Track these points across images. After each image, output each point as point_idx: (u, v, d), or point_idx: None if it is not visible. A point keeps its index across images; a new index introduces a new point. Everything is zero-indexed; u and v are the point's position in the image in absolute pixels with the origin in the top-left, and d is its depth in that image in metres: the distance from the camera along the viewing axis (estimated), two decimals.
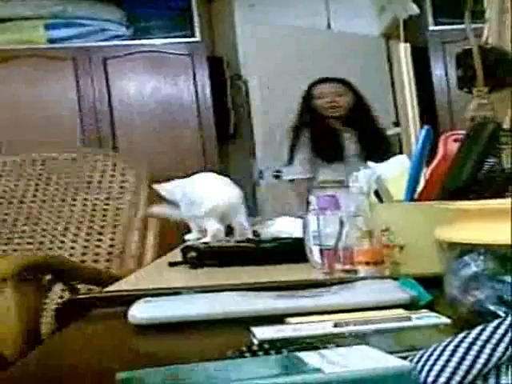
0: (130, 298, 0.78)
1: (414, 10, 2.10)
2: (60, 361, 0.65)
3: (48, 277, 1.29)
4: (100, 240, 1.78)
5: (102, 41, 3.86)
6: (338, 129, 3.15)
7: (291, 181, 3.13)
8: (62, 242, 1.79)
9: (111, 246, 1.77)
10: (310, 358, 0.39)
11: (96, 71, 3.83)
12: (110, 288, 1.06)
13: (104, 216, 1.83)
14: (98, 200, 1.86)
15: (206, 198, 1.60)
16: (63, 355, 0.67)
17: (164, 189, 1.75)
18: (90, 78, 3.82)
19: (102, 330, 0.77)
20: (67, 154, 2.00)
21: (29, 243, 1.79)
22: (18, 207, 1.88)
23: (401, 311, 0.68)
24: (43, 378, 0.58)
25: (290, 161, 3.14)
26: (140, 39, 3.89)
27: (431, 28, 3.93)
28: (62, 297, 1.54)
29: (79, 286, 1.48)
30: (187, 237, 1.66)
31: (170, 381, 0.37)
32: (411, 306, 0.71)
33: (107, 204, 1.85)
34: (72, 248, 1.78)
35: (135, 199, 1.85)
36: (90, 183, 1.89)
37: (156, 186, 1.79)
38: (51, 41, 3.80)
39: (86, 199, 1.87)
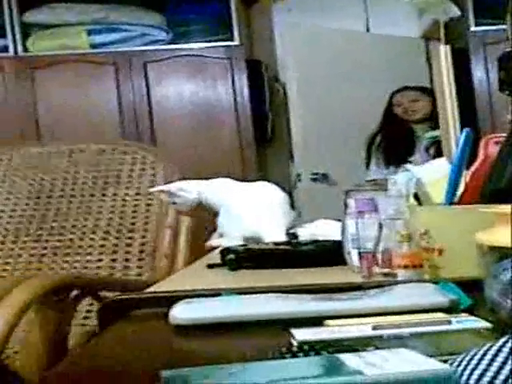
0: (170, 300, 0.79)
1: (455, 12, 2.08)
2: (102, 361, 0.66)
3: (74, 292, 1.24)
4: (131, 238, 1.70)
5: (142, 45, 3.91)
6: (415, 133, 3.47)
7: (368, 181, 3.33)
8: (92, 239, 1.71)
9: (143, 244, 1.69)
10: (349, 359, 0.40)
11: (136, 75, 3.88)
12: (151, 289, 1.07)
13: (134, 212, 1.74)
14: (128, 195, 1.77)
15: (245, 224, 1.56)
16: (105, 355, 0.69)
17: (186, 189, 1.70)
18: (130, 82, 3.88)
19: (144, 330, 0.79)
20: (95, 145, 1.91)
21: (59, 240, 1.72)
22: (47, 202, 1.79)
23: (440, 315, 0.68)
24: (86, 377, 0.60)
25: (368, 164, 3.52)
26: (180, 43, 3.93)
27: (472, 29, 3.88)
28: (89, 311, 1.49)
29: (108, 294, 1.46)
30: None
31: (212, 380, 0.38)
32: (451, 309, 0.70)
33: (137, 200, 1.76)
34: (102, 246, 1.70)
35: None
36: (119, 177, 1.80)
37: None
38: (93, 46, 3.88)
39: (115, 194, 1.78)
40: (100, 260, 1.68)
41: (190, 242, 1.73)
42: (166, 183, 1.72)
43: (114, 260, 1.67)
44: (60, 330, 1.16)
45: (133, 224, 1.72)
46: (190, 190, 1.66)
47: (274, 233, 1.53)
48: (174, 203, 1.68)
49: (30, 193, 1.82)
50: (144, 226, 1.71)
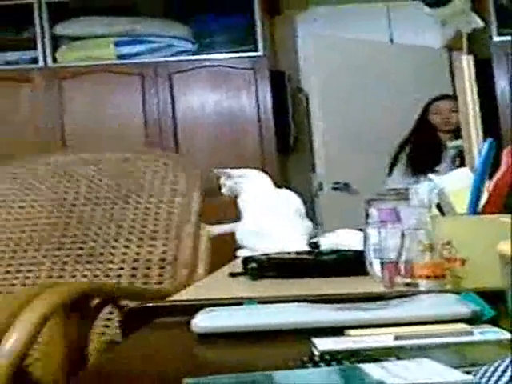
0: (192, 308, 0.79)
1: (478, 23, 2.07)
2: (125, 368, 0.67)
3: (96, 301, 1.24)
4: (153, 245, 1.69)
5: (168, 56, 3.95)
6: (443, 143, 3.43)
7: (389, 190, 3.30)
8: (114, 247, 1.70)
9: (164, 252, 1.68)
10: (372, 369, 0.40)
11: (162, 86, 3.92)
12: (173, 298, 1.08)
13: (156, 220, 1.73)
14: (150, 203, 1.76)
15: (261, 239, 1.59)
16: (128, 362, 0.69)
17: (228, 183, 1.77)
18: (155, 93, 3.92)
19: (166, 338, 0.79)
20: (120, 154, 1.90)
21: (81, 248, 1.71)
22: (70, 210, 1.79)
23: (463, 326, 0.67)
24: None
25: (390, 172, 3.47)
26: (204, 54, 3.95)
27: (495, 39, 3.85)
28: (109, 319, 1.47)
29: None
30: (239, 253, 1.67)
31: None
32: (473, 320, 0.70)
33: (159, 207, 1.75)
34: (124, 254, 1.69)
35: (187, 203, 1.74)
36: (141, 185, 1.79)
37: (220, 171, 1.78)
38: (120, 57, 3.93)
39: (138, 202, 1.77)
40: (121, 268, 1.67)
41: (210, 251, 1.72)
42: (188, 191, 1.75)
43: (135, 268, 1.66)
44: (80, 339, 1.16)
45: (154, 232, 1.71)
46: (237, 177, 1.76)
47: (295, 243, 1.53)
48: (225, 186, 1.76)
49: (54, 201, 1.82)
50: (165, 234, 1.70)
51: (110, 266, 1.68)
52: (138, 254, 1.68)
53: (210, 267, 1.67)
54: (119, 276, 1.66)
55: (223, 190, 1.78)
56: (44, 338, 1.10)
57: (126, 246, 1.70)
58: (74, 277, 1.68)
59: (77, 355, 1.13)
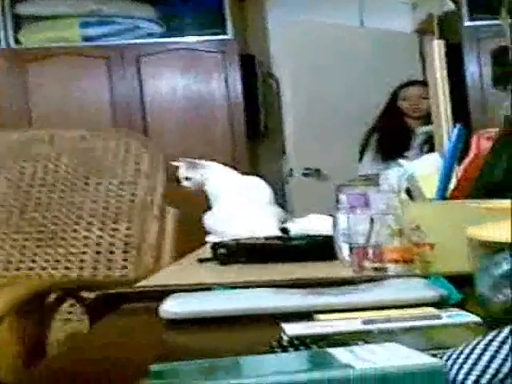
0: (160, 294, 0.79)
1: (450, 6, 2.08)
2: (93, 354, 0.66)
3: (54, 295, 1.20)
4: (116, 229, 1.63)
5: (135, 39, 3.90)
6: (412, 129, 3.43)
7: (361, 176, 3.30)
8: (75, 230, 1.64)
9: (127, 236, 1.62)
10: (340, 353, 0.40)
11: (129, 69, 3.87)
12: (141, 283, 1.07)
13: (119, 202, 1.66)
14: (112, 185, 1.69)
15: (232, 225, 1.58)
16: (96, 349, 0.69)
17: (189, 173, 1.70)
18: (123, 76, 3.87)
19: (134, 324, 0.79)
20: (76, 131, 1.81)
21: (40, 232, 1.65)
22: (27, 191, 1.71)
23: (431, 309, 0.68)
24: (76, 371, 0.59)
25: (361, 158, 3.46)
26: (173, 37, 3.91)
27: (466, 24, 3.87)
28: (70, 312, 1.44)
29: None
30: (208, 239, 1.66)
31: (202, 374, 0.38)
32: (441, 304, 0.70)
33: (121, 189, 1.68)
34: (86, 238, 1.63)
35: (151, 184, 1.68)
36: (101, 165, 1.72)
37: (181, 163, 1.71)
38: (86, 39, 3.86)
39: (98, 183, 1.70)
40: (84, 253, 1.61)
41: (176, 235, 1.67)
42: (151, 171, 1.68)
43: (98, 253, 1.61)
44: (38, 337, 1.13)
45: (117, 215, 1.65)
46: (201, 169, 1.70)
47: (265, 229, 1.53)
48: (188, 179, 1.70)
49: (10, 181, 1.74)
50: (129, 217, 1.64)
51: (72, 250, 1.62)
52: (100, 237, 1.62)
53: (178, 252, 1.63)
54: (82, 261, 1.60)
55: (185, 183, 1.73)
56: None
57: (88, 230, 1.64)
58: (34, 262, 1.62)
59: (35, 353, 1.09)
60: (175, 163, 1.74)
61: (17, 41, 3.84)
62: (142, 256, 1.58)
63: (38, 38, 3.83)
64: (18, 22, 3.85)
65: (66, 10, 3.82)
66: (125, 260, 1.59)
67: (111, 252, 1.60)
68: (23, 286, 1.10)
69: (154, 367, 0.39)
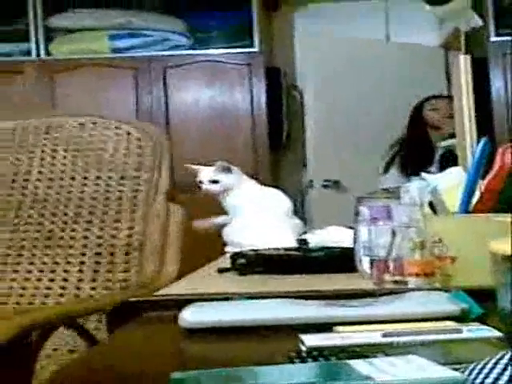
0: (180, 303, 0.79)
1: (478, 22, 2.05)
2: (112, 362, 0.66)
3: (35, 333, 1.05)
4: (116, 229, 1.52)
5: (162, 51, 3.93)
6: (434, 143, 3.39)
7: (383, 190, 3.27)
8: (74, 230, 1.53)
9: (129, 235, 1.51)
10: (359, 365, 0.39)
11: (155, 80, 3.90)
12: (161, 292, 1.07)
13: (119, 199, 1.54)
14: (112, 179, 1.57)
15: (248, 236, 1.59)
16: (115, 357, 0.69)
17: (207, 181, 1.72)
18: (149, 87, 3.90)
19: (153, 333, 0.79)
20: (73, 119, 1.67)
21: (37, 231, 1.54)
22: (23, 186, 1.60)
23: (451, 323, 0.67)
24: (95, 379, 0.60)
25: (386, 171, 3.45)
26: (200, 49, 3.94)
27: (492, 39, 3.85)
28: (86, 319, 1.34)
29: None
30: (227, 249, 1.66)
31: (223, 382, 0.38)
32: (462, 318, 0.70)
33: (122, 184, 1.56)
34: (85, 238, 1.52)
35: (155, 179, 1.56)
36: (101, 157, 1.59)
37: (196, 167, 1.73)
38: (114, 51, 3.91)
39: (98, 177, 1.57)
40: (83, 254, 1.51)
41: (182, 236, 1.53)
42: (155, 165, 1.56)
43: (98, 254, 1.50)
44: (20, 381, 1.00)
45: (118, 213, 1.53)
46: (234, 174, 1.74)
47: (282, 240, 1.53)
48: (216, 182, 1.71)
49: (4, 176, 1.62)
50: (130, 215, 1.53)
51: (71, 251, 1.53)
52: (100, 238, 1.52)
53: (195, 260, 1.59)
54: (82, 263, 1.51)
55: (210, 186, 1.73)
56: None
57: (87, 229, 1.53)
58: (32, 264, 1.54)
59: None
60: (196, 166, 1.75)
61: (47, 52, 3.90)
62: (145, 258, 1.48)
63: (67, 50, 3.90)
64: (50, 34, 3.92)
65: (95, 23, 3.89)
66: (126, 263, 1.48)
67: (112, 254, 1.49)
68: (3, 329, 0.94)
69: (175, 375, 0.39)
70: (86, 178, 1.58)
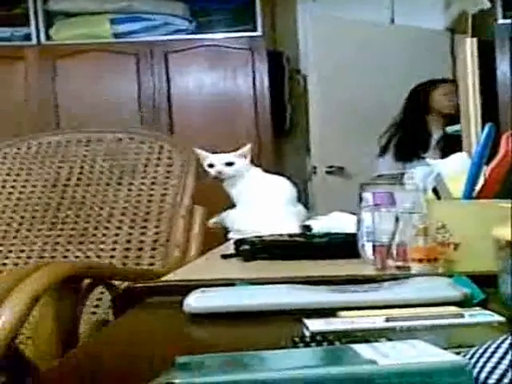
0: (184, 288, 0.79)
1: (485, 3, 2.01)
2: (117, 346, 0.67)
3: (87, 281, 1.22)
4: (145, 227, 1.70)
5: (165, 35, 3.91)
6: (431, 129, 3.36)
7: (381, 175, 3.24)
8: (107, 228, 1.71)
9: (156, 233, 1.68)
10: (363, 349, 0.40)
11: (157, 65, 3.89)
12: (165, 278, 1.08)
13: (149, 202, 1.73)
14: (144, 185, 1.76)
15: (251, 223, 1.60)
16: (120, 341, 0.69)
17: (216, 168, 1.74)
18: (151, 72, 3.89)
19: (158, 317, 0.79)
20: (112, 134, 1.89)
21: (73, 229, 1.72)
22: (63, 191, 1.79)
23: (453, 308, 0.67)
24: (101, 362, 0.60)
25: (381, 155, 3.42)
26: (202, 33, 3.91)
27: (500, 22, 3.79)
28: (99, 299, 1.48)
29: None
30: (230, 235, 1.67)
31: (227, 366, 0.38)
32: (464, 303, 0.70)
33: (152, 189, 1.75)
34: (116, 235, 1.70)
35: (181, 185, 1.75)
36: (135, 166, 1.79)
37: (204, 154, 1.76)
38: (116, 35, 3.89)
39: (131, 184, 1.77)
40: (113, 249, 1.68)
41: (203, 233, 1.72)
42: (182, 173, 1.74)
43: (127, 249, 1.67)
44: (72, 319, 1.15)
45: (147, 214, 1.72)
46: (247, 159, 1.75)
47: (285, 228, 1.53)
48: (231, 164, 1.74)
49: (47, 181, 1.82)
50: (158, 215, 1.71)
51: (102, 247, 1.69)
52: (130, 235, 1.69)
53: (203, 249, 1.67)
54: (111, 257, 1.66)
55: (224, 169, 1.75)
56: (35, 317, 1.10)
57: (119, 228, 1.70)
58: (65, 257, 1.68)
59: (68, 335, 1.12)
60: (204, 152, 1.78)
61: (48, 37, 3.88)
62: (169, 253, 1.63)
63: (68, 35, 3.87)
64: (50, 18, 3.90)
65: (96, 6, 3.85)
66: (152, 257, 1.64)
67: (140, 249, 1.66)
68: (58, 268, 1.12)
69: (180, 359, 0.40)
70: (120, 183, 1.78)
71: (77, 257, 1.67)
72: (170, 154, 1.80)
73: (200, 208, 1.73)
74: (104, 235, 1.70)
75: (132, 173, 1.78)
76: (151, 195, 1.74)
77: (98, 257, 1.66)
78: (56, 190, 1.80)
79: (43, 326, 1.11)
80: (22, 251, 1.69)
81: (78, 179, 1.81)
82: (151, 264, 1.63)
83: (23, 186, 1.81)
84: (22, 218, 1.75)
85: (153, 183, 1.76)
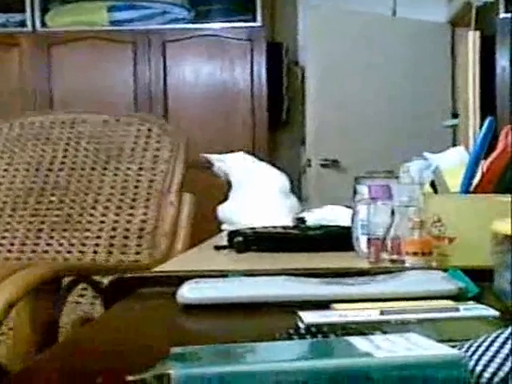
0: (176, 279, 0.79)
1: None
2: (109, 337, 0.66)
3: (68, 279, 1.20)
4: (131, 215, 1.63)
5: (163, 23, 3.88)
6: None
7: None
8: (92, 215, 1.65)
9: (143, 221, 1.61)
10: (359, 342, 0.40)
11: (154, 54, 3.87)
12: (157, 268, 1.07)
13: (136, 188, 1.66)
14: (131, 170, 1.68)
15: (248, 216, 1.58)
16: (112, 332, 0.69)
17: (218, 165, 1.73)
18: (147, 61, 3.87)
19: (150, 309, 0.79)
20: (98, 115, 1.80)
21: (57, 215, 1.66)
22: (46, 175, 1.72)
23: (448, 302, 0.67)
24: (92, 354, 0.60)
25: None
26: (201, 23, 3.89)
27: (502, 16, 3.77)
28: (82, 295, 1.46)
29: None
30: (223, 227, 1.66)
31: (222, 358, 0.38)
32: (459, 297, 0.70)
33: (140, 175, 1.68)
34: (102, 222, 1.63)
35: (170, 170, 1.67)
36: (121, 150, 1.70)
37: (209, 156, 1.74)
38: (113, 23, 3.86)
39: (117, 168, 1.69)
40: (98, 237, 1.62)
41: (191, 222, 1.66)
42: (171, 158, 1.68)
43: (112, 237, 1.61)
44: (51, 321, 1.13)
45: (134, 200, 1.65)
46: (223, 162, 1.72)
47: (277, 220, 1.53)
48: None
49: (29, 164, 1.74)
50: (145, 203, 1.64)
51: (87, 234, 1.63)
52: (116, 222, 1.63)
53: (192, 239, 1.64)
54: (97, 245, 1.61)
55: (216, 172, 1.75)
56: (13, 320, 1.07)
57: (104, 215, 1.65)
58: (49, 245, 1.63)
59: (47, 337, 1.09)
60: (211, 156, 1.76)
61: (43, 24, 3.85)
62: (157, 242, 1.58)
63: (64, 21, 3.85)
64: (45, 4, 3.86)
65: None
66: (139, 245, 1.59)
67: (126, 237, 1.60)
68: (38, 270, 1.09)
69: (175, 349, 0.39)
70: (106, 168, 1.70)
71: (61, 244, 1.62)
72: (158, 137, 1.72)
73: (189, 195, 1.66)
74: (89, 222, 1.64)
75: (118, 157, 1.70)
76: (138, 181, 1.67)
77: (83, 245, 1.61)
78: (39, 174, 1.73)
79: (19, 329, 1.08)
80: (4, 238, 1.64)
81: (62, 163, 1.73)
82: (137, 253, 1.59)
83: (5, 170, 1.74)
84: (4, 203, 1.69)
85: (140, 168, 1.69)
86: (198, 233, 1.65)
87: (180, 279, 0.77)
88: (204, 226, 1.71)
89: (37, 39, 3.85)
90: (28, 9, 3.82)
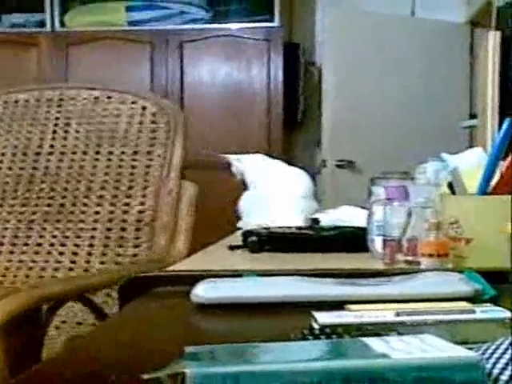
0: (191, 278, 0.79)
1: None
2: (123, 336, 0.66)
3: (45, 307, 1.08)
4: (128, 204, 1.50)
5: (181, 24, 3.89)
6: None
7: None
8: (85, 204, 1.52)
9: (140, 211, 1.49)
10: (375, 343, 0.39)
11: (172, 54, 3.88)
12: (172, 268, 1.07)
13: (132, 175, 1.52)
14: (125, 154, 1.54)
15: (256, 214, 1.58)
16: (126, 330, 0.69)
17: (238, 166, 1.72)
18: (165, 61, 3.88)
19: (164, 308, 0.79)
20: (87, 90, 1.64)
21: (49, 205, 1.53)
22: (34, 160, 1.58)
23: (464, 304, 0.67)
24: (105, 352, 0.60)
25: None
26: (218, 23, 3.89)
27: None
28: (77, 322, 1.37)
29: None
30: (239, 224, 1.66)
31: (237, 357, 0.38)
32: (475, 299, 0.69)
33: (135, 160, 1.53)
34: (97, 213, 1.51)
35: (168, 154, 1.52)
36: (114, 131, 1.56)
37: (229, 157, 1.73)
38: (131, 23, 3.88)
39: (110, 153, 1.55)
40: (94, 229, 1.50)
41: (193, 214, 1.52)
42: (169, 141, 1.54)
43: (109, 229, 1.49)
44: (29, 351, 1.03)
45: (130, 188, 1.52)
46: (240, 163, 1.71)
47: (289, 221, 1.52)
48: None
49: (16, 148, 1.60)
50: (142, 190, 1.51)
51: (82, 225, 1.52)
52: (111, 212, 1.51)
53: (206, 238, 1.58)
54: (92, 237, 1.51)
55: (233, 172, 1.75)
56: None
57: (99, 204, 1.53)
58: (42, 237, 1.54)
59: (25, 367, 1.05)
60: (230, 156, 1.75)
61: (62, 23, 3.88)
62: (156, 234, 1.47)
63: (83, 21, 3.87)
64: (65, 4, 3.89)
65: None
66: (137, 238, 1.47)
67: (123, 229, 1.48)
68: (16, 299, 0.98)
69: (189, 349, 0.39)
70: (98, 152, 1.56)
71: (54, 236, 1.53)
72: (153, 117, 1.56)
73: (190, 184, 1.52)
74: (83, 213, 1.51)
75: (111, 139, 1.56)
76: (133, 167, 1.53)
77: (78, 237, 1.51)
78: (27, 159, 1.59)
79: None
80: None
81: (51, 146, 1.59)
82: (136, 246, 1.48)
83: None
84: None
85: (135, 152, 1.54)
86: (213, 232, 1.64)
87: (194, 278, 0.77)
88: (218, 224, 1.71)
89: (55, 39, 3.87)
90: (48, 9, 3.85)
